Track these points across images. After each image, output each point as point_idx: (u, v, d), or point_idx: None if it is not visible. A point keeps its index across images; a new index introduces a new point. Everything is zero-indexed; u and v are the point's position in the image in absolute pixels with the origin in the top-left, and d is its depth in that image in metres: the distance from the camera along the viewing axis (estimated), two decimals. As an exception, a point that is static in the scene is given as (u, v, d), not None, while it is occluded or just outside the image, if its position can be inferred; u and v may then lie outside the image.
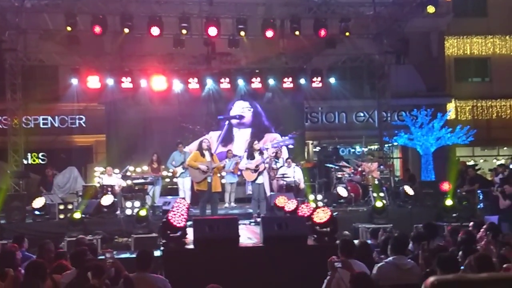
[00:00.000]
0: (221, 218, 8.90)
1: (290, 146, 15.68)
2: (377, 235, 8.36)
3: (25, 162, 16.12)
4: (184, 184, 13.32)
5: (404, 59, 15.86)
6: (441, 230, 10.22)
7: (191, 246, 7.26)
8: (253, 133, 16.68)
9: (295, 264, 7.01)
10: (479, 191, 13.84)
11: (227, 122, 16.73)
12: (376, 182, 13.28)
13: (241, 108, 16.85)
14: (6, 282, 4.34)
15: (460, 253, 5.95)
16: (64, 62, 16.13)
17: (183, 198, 11.98)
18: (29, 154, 17.88)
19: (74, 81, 15.18)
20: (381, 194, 12.62)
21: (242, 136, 16.73)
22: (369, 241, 8.07)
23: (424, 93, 20.14)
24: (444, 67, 21.08)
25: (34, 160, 19.01)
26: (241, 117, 16.84)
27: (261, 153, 11.65)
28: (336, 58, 17.09)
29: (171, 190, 14.62)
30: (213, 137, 14.01)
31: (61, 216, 11.34)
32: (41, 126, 18.56)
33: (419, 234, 7.29)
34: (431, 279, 1.57)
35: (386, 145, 17.08)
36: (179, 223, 7.17)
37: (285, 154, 14.83)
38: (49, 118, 18.69)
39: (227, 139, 16.35)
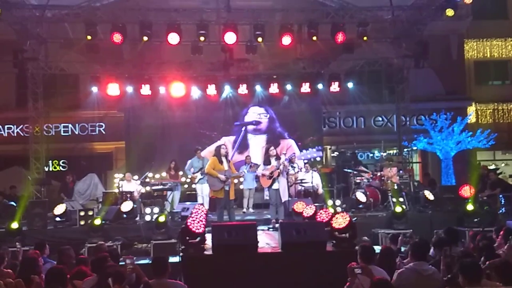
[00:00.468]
0: (239, 224, 8.90)
1: (318, 159, 15.60)
2: (397, 240, 8.28)
3: (46, 169, 16.35)
4: (203, 190, 13.36)
5: (423, 63, 15.73)
6: (462, 236, 10.10)
7: (210, 252, 7.28)
8: (268, 139, 16.72)
9: (314, 270, 6.98)
10: (500, 196, 13.61)
11: (243, 128, 16.78)
12: (395, 187, 13.16)
13: (257, 114, 16.91)
14: (32, 288, 4.42)
15: (482, 259, 5.86)
16: (84, 71, 16.37)
17: (202, 204, 12.03)
18: (50, 161, 18.13)
19: (94, 89, 15.38)
20: (401, 199, 12.49)
21: (257, 143, 16.79)
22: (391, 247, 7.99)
23: (444, 97, 19.94)
24: (463, 70, 20.86)
25: (55, 167, 19.28)
26: (257, 123, 16.90)
27: (277, 158, 11.62)
28: (354, 62, 17.03)
29: (190, 196, 14.69)
30: (226, 142, 14.06)
31: (82, 223, 11.46)
32: (62, 133, 18.84)
33: (440, 239, 7.20)
34: None
35: (405, 150, 16.93)
36: (198, 229, 7.20)
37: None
38: (70, 125, 18.96)
39: (243, 146, 16.39)
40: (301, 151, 15.76)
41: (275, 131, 16.90)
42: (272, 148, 11.94)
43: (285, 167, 11.55)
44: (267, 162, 11.68)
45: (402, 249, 7.87)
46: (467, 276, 4.59)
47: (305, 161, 14.12)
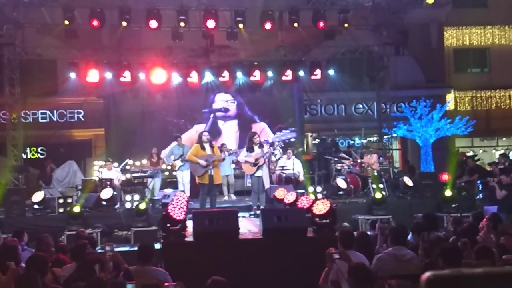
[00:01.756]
0: (220, 211, 8.90)
1: (292, 140, 15.68)
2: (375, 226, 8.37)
3: (24, 156, 16.11)
4: (184, 177, 13.32)
5: (404, 51, 15.83)
6: (440, 221, 10.26)
7: (191, 239, 7.27)
8: (240, 124, 16.72)
9: (295, 256, 7.03)
10: (478, 182, 13.85)
11: (212, 116, 16.72)
12: (376, 173, 13.29)
13: (224, 101, 16.83)
14: (7, 275, 4.34)
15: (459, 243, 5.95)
16: (62, 56, 16.09)
17: (183, 191, 11.98)
18: (28, 148, 17.88)
19: (73, 75, 15.13)
20: (381, 186, 12.63)
21: (229, 129, 16.78)
22: (368, 233, 8.08)
23: (423, 84, 20.12)
24: (443, 58, 21.05)
25: (33, 155, 19.03)
26: (226, 109, 16.84)
27: (260, 146, 11.61)
28: (335, 50, 17.04)
29: (170, 183, 14.64)
30: (198, 130, 14.03)
31: (61, 210, 11.35)
32: (40, 120, 18.58)
33: (418, 224, 7.30)
34: (427, 274, 1.56)
35: (385, 137, 17.08)
36: (179, 216, 7.18)
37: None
38: (48, 112, 18.70)
39: (214, 133, 16.28)
40: (274, 134, 15.84)
41: (245, 116, 16.84)
42: (256, 135, 11.87)
43: (270, 155, 11.57)
44: (250, 149, 11.63)
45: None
46: (448, 261, 4.66)
47: (281, 144, 14.04)
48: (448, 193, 11.58)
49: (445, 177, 12.49)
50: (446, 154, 17.16)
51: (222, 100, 16.81)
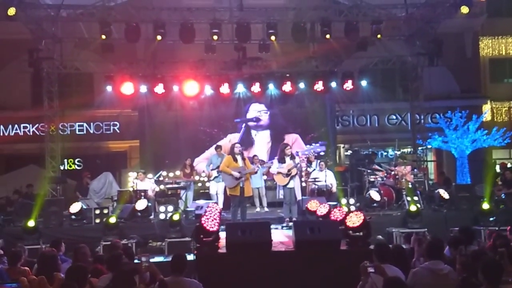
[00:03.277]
0: (253, 222, 8.93)
1: (322, 153, 15.56)
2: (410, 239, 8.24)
3: (61, 168, 16.51)
4: (218, 188, 13.40)
5: (437, 61, 15.61)
6: (478, 235, 10.02)
7: (224, 250, 7.31)
8: (272, 134, 16.73)
9: (328, 269, 6.98)
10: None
11: (243, 125, 16.79)
12: (410, 185, 13.09)
13: (257, 112, 16.89)
14: (54, 285, 4.44)
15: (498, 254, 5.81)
16: (99, 70, 16.49)
17: (216, 203, 12.07)
18: (65, 160, 18.31)
19: (109, 88, 15.48)
20: (415, 198, 12.42)
21: (262, 139, 16.83)
22: (403, 246, 7.95)
23: (458, 95, 19.79)
24: (478, 68, 20.68)
25: (70, 166, 19.47)
26: (257, 119, 16.89)
27: (292, 157, 11.58)
28: (368, 60, 16.94)
29: (203, 195, 14.75)
30: (232, 140, 14.12)
31: (97, 221, 11.56)
32: (77, 132, 19.02)
33: (456, 238, 7.14)
34: None
35: (419, 148, 16.83)
36: (212, 227, 7.23)
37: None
38: (85, 124, 19.14)
39: (247, 143, 16.36)
40: (306, 144, 15.79)
41: (278, 126, 16.85)
42: (288, 147, 11.87)
43: (302, 166, 11.55)
44: (282, 160, 11.63)
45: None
46: (488, 275, 4.54)
47: (312, 156, 13.96)
48: (485, 206, 11.30)
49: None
50: (483, 166, 16.78)
51: (255, 110, 16.91)
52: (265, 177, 14.23)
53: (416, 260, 6.72)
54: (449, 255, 6.58)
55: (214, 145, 14.72)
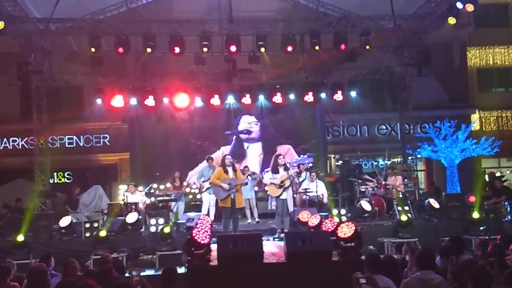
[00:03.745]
0: (245, 234, 8.89)
1: (310, 165, 15.58)
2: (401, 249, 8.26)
3: (51, 181, 16.40)
4: (210, 200, 13.32)
5: (426, 71, 15.77)
6: (468, 244, 10.06)
7: (215, 263, 7.28)
8: (264, 147, 16.73)
9: (320, 279, 6.97)
10: (506, 203, 13.57)
11: (234, 137, 16.78)
12: (401, 195, 13.14)
13: (247, 123, 16.89)
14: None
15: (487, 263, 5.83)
16: (88, 82, 16.45)
17: (207, 215, 12.02)
18: (55, 173, 18.19)
19: (98, 101, 15.43)
20: (406, 208, 12.46)
21: (253, 151, 16.82)
22: (394, 256, 7.96)
23: (447, 105, 19.96)
24: (467, 78, 20.90)
25: (60, 179, 19.34)
26: (248, 131, 16.86)
27: (286, 168, 11.51)
28: (357, 71, 17.06)
29: (194, 207, 14.70)
30: (225, 153, 14.09)
31: (87, 234, 11.47)
32: (67, 145, 18.93)
33: (447, 248, 7.17)
34: None
35: (409, 158, 16.92)
36: (203, 239, 7.21)
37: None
38: (74, 137, 19.05)
39: (239, 155, 16.32)
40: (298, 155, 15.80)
41: (269, 138, 16.85)
42: (281, 156, 11.81)
43: (294, 178, 11.54)
44: (275, 170, 11.59)
45: (407, 258, 7.84)
46: (477, 285, 4.56)
47: (307, 166, 13.97)
48: (475, 215, 11.35)
49: (473, 198, 12.29)
50: (473, 175, 16.90)
51: (245, 122, 16.90)
52: (256, 188, 14.20)
53: (408, 270, 6.73)
54: (440, 265, 6.60)
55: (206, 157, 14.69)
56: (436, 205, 12.63)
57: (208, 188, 13.26)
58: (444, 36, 18.60)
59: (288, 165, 11.77)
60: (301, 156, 14.27)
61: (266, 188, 12.20)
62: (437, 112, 19.36)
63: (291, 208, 11.50)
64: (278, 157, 11.76)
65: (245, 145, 16.92)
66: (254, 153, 16.80)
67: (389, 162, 16.57)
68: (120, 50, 14.14)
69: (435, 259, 6.52)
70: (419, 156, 18.16)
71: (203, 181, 13.47)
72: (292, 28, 15.29)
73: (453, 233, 9.12)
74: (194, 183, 14.58)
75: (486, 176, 16.85)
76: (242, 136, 16.88)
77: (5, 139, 18.85)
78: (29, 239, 10.99)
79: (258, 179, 13.86)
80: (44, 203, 14.98)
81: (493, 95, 21.71)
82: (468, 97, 20.81)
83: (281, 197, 11.35)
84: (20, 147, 18.77)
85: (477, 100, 21.00)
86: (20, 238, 10.38)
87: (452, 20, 14.23)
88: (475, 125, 19.98)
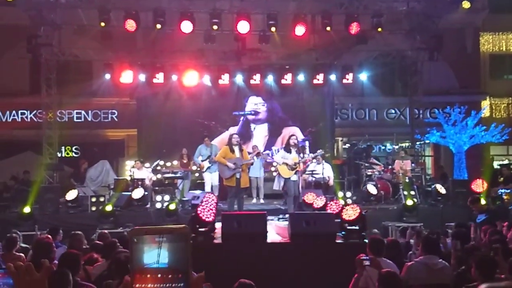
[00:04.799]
0: (249, 213, 8.91)
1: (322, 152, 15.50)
2: (405, 233, 8.26)
3: (59, 155, 16.48)
4: (212, 179, 13.31)
5: (437, 56, 15.58)
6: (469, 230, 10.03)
7: (219, 241, 7.30)
8: (270, 128, 16.68)
9: (323, 261, 6.98)
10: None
11: (242, 118, 16.72)
12: (407, 180, 13.10)
13: (254, 104, 16.80)
14: (41, 273, 4.38)
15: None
16: (98, 57, 16.42)
17: (212, 193, 12.04)
18: (63, 147, 18.27)
19: (107, 76, 15.41)
20: (412, 193, 12.44)
21: (260, 132, 16.76)
22: (398, 240, 7.97)
23: (458, 90, 19.75)
24: (478, 64, 20.63)
25: (67, 153, 19.43)
26: (256, 113, 16.77)
27: (297, 150, 11.34)
28: (368, 54, 16.91)
29: (200, 185, 14.74)
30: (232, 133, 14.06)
31: (93, 209, 11.57)
32: (75, 120, 18.95)
33: (460, 232, 7.13)
34: (483, 286, 1.54)
35: (417, 143, 16.83)
36: (208, 217, 7.22)
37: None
38: (83, 112, 19.06)
39: (245, 136, 16.28)
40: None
41: (276, 120, 16.77)
42: (294, 137, 11.58)
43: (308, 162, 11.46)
44: (288, 151, 11.33)
45: (411, 242, 7.85)
46: (482, 270, 4.55)
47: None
48: (482, 202, 11.30)
49: (478, 186, 12.19)
50: (481, 162, 16.80)
51: (252, 103, 16.83)
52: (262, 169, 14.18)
53: (412, 253, 6.74)
54: (450, 247, 6.58)
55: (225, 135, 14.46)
56: (442, 190, 12.59)
57: (208, 168, 13.21)
58: (457, 21, 18.32)
59: (300, 146, 11.62)
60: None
61: (277, 167, 11.79)
62: (447, 97, 19.19)
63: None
64: (291, 137, 11.58)
65: (252, 126, 16.88)
66: (260, 135, 16.77)
67: (396, 147, 16.50)
68: (130, 25, 14.05)
69: (439, 244, 6.52)
70: (427, 141, 18.06)
71: (202, 160, 13.37)
72: (303, 8, 15.12)
73: (459, 219, 9.12)
74: (194, 163, 14.50)
75: (494, 163, 16.76)
76: (249, 117, 16.83)
77: (14, 112, 18.90)
78: (36, 211, 11.10)
79: (266, 159, 13.82)
80: (52, 176, 15.09)
81: (504, 82, 21.44)
82: (479, 83, 20.58)
83: (292, 179, 11.25)
84: (29, 120, 18.81)
85: (488, 87, 20.76)
86: (27, 210, 10.49)
87: (466, 4, 14.06)
88: (485, 112, 19.80)
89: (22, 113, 18.92)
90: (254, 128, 16.88)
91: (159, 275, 1.18)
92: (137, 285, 1.31)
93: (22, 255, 6.48)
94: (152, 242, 1.21)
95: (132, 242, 1.21)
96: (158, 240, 1.20)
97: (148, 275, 1.23)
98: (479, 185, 12.11)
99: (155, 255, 1.19)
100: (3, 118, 18.93)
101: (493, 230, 7.49)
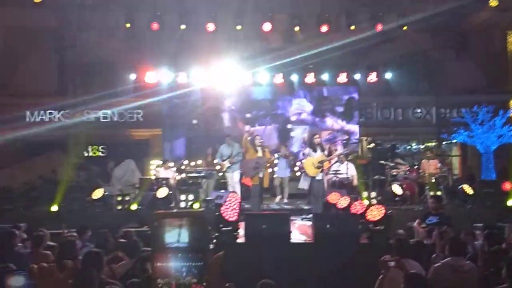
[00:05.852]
0: (273, 213, 8.93)
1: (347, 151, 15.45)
2: (432, 235, 8.13)
3: (85, 154, 16.70)
4: (233, 178, 13.27)
5: (464, 55, 15.33)
6: (501, 232, 9.83)
7: (243, 240, 7.32)
8: (310, 130, 16.68)
9: (347, 262, 6.94)
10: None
11: (268, 118, 16.72)
12: (433, 180, 12.91)
13: (297, 104, 16.79)
14: (64, 273, 4.44)
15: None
16: (123, 58, 16.58)
17: (235, 192, 12.05)
18: (89, 147, 18.51)
19: (132, 77, 15.56)
20: (438, 193, 12.24)
21: (298, 134, 16.72)
22: (424, 241, 7.86)
23: (485, 90, 19.37)
24: (506, 63, 20.18)
25: (94, 153, 19.66)
26: (299, 114, 16.81)
27: (322, 149, 11.29)
28: (393, 53, 16.70)
29: (224, 184, 14.76)
30: (260, 132, 14.09)
31: (119, 207, 11.69)
32: (101, 119, 19.16)
33: (492, 234, 6.98)
34: None
35: (444, 143, 16.57)
36: (232, 217, 7.25)
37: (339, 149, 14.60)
38: (109, 112, 19.26)
39: (284, 137, 16.32)
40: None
41: (314, 121, 16.80)
42: (317, 135, 11.58)
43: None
44: (313, 150, 11.26)
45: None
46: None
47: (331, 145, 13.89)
48: (510, 202, 11.11)
49: (508, 185, 11.98)
50: (509, 162, 16.44)
51: (296, 104, 16.83)
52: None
53: (437, 256, 6.63)
54: (480, 248, 6.46)
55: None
56: (470, 191, 12.38)
57: (229, 167, 13.18)
58: (485, 20, 17.98)
59: (324, 144, 11.59)
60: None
61: (303, 166, 11.65)
62: (474, 97, 18.81)
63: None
64: (314, 136, 11.55)
65: (289, 126, 16.93)
66: (297, 136, 16.77)
67: (422, 146, 16.28)
68: (155, 26, 14.18)
69: (466, 246, 6.40)
70: (454, 141, 17.78)
71: (223, 160, 13.31)
72: (327, 7, 15.03)
73: (486, 220, 8.96)
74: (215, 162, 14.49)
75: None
76: (292, 118, 16.84)
77: (42, 112, 19.21)
78: (63, 209, 11.27)
79: (291, 159, 13.78)
80: (78, 175, 15.29)
81: (533, 81, 20.96)
82: (507, 82, 20.15)
83: (317, 178, 11.19)
84: (57, 119, 19.11)
85: (516, 86, 20.32)
86: (54, 208, 10.67)
87: (493, 2, 13.78)
88: (514, 111, 19.39)
89: (50, 113, 19.22)
90: (294, 129, 16.90)
91: (180, 254, 1.22)
92: (159, 264, 1.34)
93: (50, 253, 6.57)
94: (173, 225, 1.25)
95: (153, 226, 1.25)
96: (179, 223, 1.24)
97: (169, 254, 1.27)
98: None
99: (176, 235, 1.24)
100: (31, 118, 19.28)
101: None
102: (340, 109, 17.00)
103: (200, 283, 1.17)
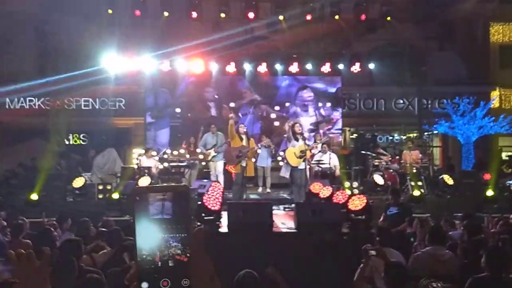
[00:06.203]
0: (255, 203, 8.92)
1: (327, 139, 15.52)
2: (412, 224, 8.21)
3: (66, 142, 16.51)
4: (217, 168, 13.25)
5: (447, 46, 15.44)
6: (480, 222, 9.98)
7: (225, 230, 7.31)
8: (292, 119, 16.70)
9: (329, 251, 6.97)
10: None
11: (251, 109, 16.71)
12: (414, 170, 13.02)
13: (305, 95, 16.83)
14: (42, 261, 4.38)
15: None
16: (105, 45, 16.34)
17: (218, 182, 12.03)
18: (70, 134, 18.30)
19: (115, 64, 15.35)
20: (419, 183, 12.36)
21: (280, 123, 16.73)
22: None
23: (467, 81, 19.57)
24: (488, 54, 20.40)
25: (75, 141, 19.45)
26: (283, 103, 16.83)
27: (304, 138, 11.30)
28: (376, 43, 16.75)
29: (207, 174, 14.71)
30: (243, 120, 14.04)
31: (100, 196, 11.59)
32: (83, 107, 18.94)
33: (472, 224, 7.05)
34: None
35: (425, 133, 16.72)
36: (214, 206, 7.23)
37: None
38: (90, 100, 19.05)
39: (267, 127, 16.29)
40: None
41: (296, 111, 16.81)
42: (297, 124, 11.58)
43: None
44: (295, 139, 11.25)
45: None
46: (492, 262, 4.49)
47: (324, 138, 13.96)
48: (489, 193, 11.26)
49: (488, 176, 12.14)
50: (489, 152, 16.68)
51: (302, 95, 16.77)
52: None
53: (418, 244, 6.70)
54: (460, 237, 6.53)
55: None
56: (450, 181, 12.51)
57: (214, 156, 13.14)
58: (467, 11, 18.12)
59: (305, 134, 11.61)
60: None
61: (285, 156, 11.67)
62: (456, 88, 19.00)
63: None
64: (294, 125, 11.55)
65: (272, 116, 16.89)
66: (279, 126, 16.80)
67: (404, 137, 16.41)
68: (137, 13, 14.00)
69: (446, 235, 6.48)
70: (435, 132, 17.95)
71: (207, 149, 13.26)
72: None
73: (466, 210, 9.06)
74: (199, 151, 14.43)
75: (503, 154, 16.64)
76: (298, 109, 16.83)
77: (22, 99, 18.92)
78: (43, 198, 11.14)
79: (273, 149, 13.78)
80: (59, 163, 15.11)
81: (514, 73, 21.21)
82: (488, 74, 20.37)
83: (299, 167, 11.21)
84: (37, 107, 18.85)
85: (497, 77, 20.54)
86: (34, 196, 10.53)
87: (477, -7, 13.86)
88: (495, 103, 19.62)
89: (30, 100, 18.94)
90: (274, 119, 16.87)
91: (164, 226, 1.24)
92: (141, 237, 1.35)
93: (29, 241, 6.49)
94: (156, 198, 1.26)
95: (135, 200, 1.25)
96: (161, 197, 1.25)
97: (152, 225, 1.28)
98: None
99: (159, 207, 1.25)
100: (11, 105, 18.98)
101: (504, 221, 7.46)
102: (323, 99, 17.01)
103: (184, 254, 1.16)
